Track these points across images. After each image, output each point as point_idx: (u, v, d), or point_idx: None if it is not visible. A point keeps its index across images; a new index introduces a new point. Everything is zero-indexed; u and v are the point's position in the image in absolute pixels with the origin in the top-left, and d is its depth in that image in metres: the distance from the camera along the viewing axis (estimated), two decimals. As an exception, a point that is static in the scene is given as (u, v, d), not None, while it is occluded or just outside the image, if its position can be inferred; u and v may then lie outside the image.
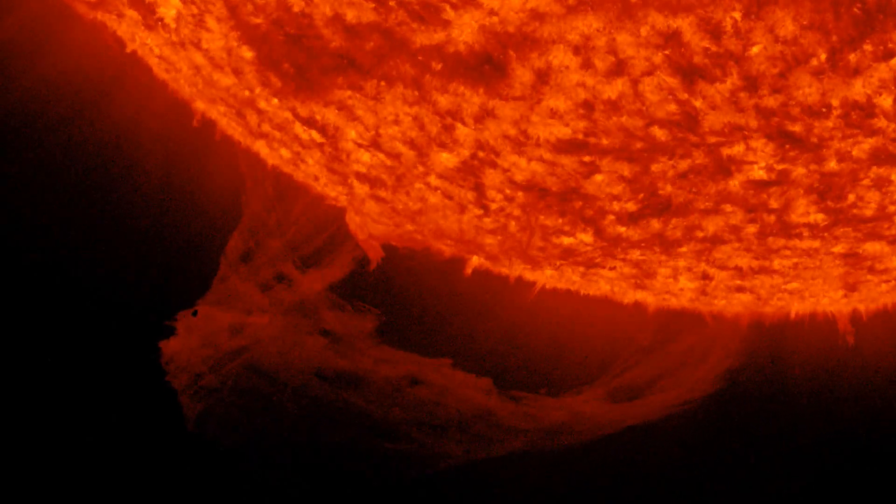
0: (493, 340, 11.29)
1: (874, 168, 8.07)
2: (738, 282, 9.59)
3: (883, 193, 8.32)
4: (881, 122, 7.64)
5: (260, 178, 10.34)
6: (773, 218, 8.55)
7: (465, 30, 7.46)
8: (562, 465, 11.83)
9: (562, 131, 7.97)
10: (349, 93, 8.22)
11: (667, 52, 7.27)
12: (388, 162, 8.85)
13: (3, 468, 11.45)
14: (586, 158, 8.16)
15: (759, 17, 7.04)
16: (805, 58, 7.21)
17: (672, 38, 7.20)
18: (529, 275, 10.30)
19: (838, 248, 8.98)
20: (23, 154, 10.90)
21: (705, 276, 9.53)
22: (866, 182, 8.20)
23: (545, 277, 10.28)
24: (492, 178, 8.62)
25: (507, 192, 8.72)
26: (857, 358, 11.11)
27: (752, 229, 8.70)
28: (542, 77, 7.60)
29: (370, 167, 9.01)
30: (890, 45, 7.14)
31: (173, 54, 9.14)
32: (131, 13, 8.94)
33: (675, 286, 9.86)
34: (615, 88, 7.58)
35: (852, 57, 7.20)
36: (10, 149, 10.87)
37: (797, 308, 10.39)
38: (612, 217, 8.71)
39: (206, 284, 10.95)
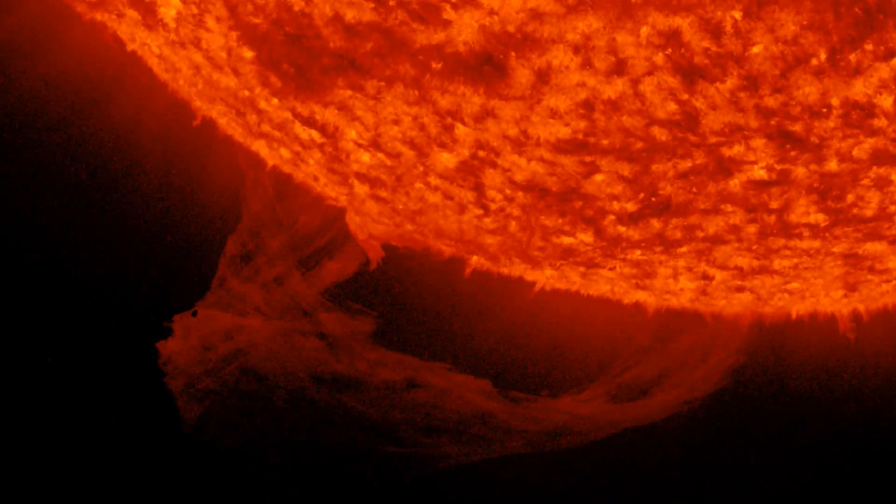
0: (493, 340, 11.28)
1: (874, 168, 8.06)
2: (739, 282, 9.58)
3: (883, 193, 8.32)
4: (881, 122, 7.64)
5: (260, 178, 10.33)
6: (773, 218, 8.55)
7: (465, 30, 7.46)
8: (562, 466, 11.82)
9: (562, 131, 7.97)
10: (349, 93, 8.21)
11: (667, 52, 7.27)
12: (388, 162, 8.85)
13: (2, 468, 11.44)
14: (586, 158, 8.15)
15: (759, 17, 7.03)
16: (805, 58, 7.21)
17: (672, 38, 7.19)
18: (529, 275, 10.29)
19: (838, 248, 8.98)
20: (23, 154, 10.90)
21: (705, 276, 9.52)
22: (866, 182, 8.20)
23: (545, 277, 10.27)
24: (492, 178, 8.61)
25: (508, 192, 8.71)
26: (857, 358, 11.10)
27: (752, 229, 8.69)
28: (542, 77, 7.59)
29: (370, 167, 9.00)
30: (890, 45, 7.13)
31: (173, 54, 9.13)
32: (131, 13, 8.93)
33: (675, 286, 9.85)
34: (615, 88, 7.57)
35: (853, 57, 7.20)
36: (10, 149, 10.87)
37: (797, 308, 10.39)
38: (612, 217, 8.70)
39: (205, 285, 10.94)
